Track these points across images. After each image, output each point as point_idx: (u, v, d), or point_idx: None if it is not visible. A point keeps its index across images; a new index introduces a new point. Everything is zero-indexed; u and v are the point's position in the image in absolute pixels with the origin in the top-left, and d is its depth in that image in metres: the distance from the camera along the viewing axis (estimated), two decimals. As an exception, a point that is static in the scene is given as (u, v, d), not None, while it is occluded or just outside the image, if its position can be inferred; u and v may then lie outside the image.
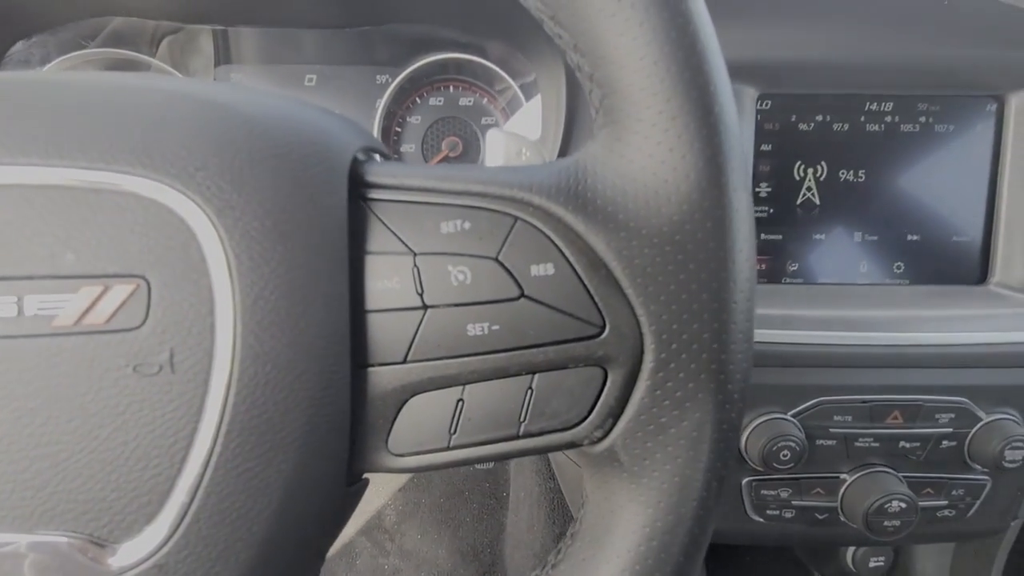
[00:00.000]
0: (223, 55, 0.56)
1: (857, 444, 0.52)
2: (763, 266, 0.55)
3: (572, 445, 0.22)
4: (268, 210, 0.19)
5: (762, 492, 0.54)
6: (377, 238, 0.21)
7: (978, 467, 0.53)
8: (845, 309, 0.53)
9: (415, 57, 0.55)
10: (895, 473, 0.53)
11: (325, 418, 0.20)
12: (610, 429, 0.22)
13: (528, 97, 0.53)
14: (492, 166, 0.27)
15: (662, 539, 0.21)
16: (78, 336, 0.18)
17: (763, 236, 0.55)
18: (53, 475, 0.18)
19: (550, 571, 0.23)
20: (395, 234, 0.21)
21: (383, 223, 0.21)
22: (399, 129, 0.57)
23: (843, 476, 0.53)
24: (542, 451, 0.22)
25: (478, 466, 1.22)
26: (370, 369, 0.21)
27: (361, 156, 0.23)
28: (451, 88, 0.57)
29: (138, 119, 0.19)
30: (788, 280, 0.55)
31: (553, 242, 0.21)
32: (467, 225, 0.21)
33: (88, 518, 0.18)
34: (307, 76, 0.57)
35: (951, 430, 0.52)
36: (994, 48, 0.51)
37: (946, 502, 0.54)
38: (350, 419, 0.21)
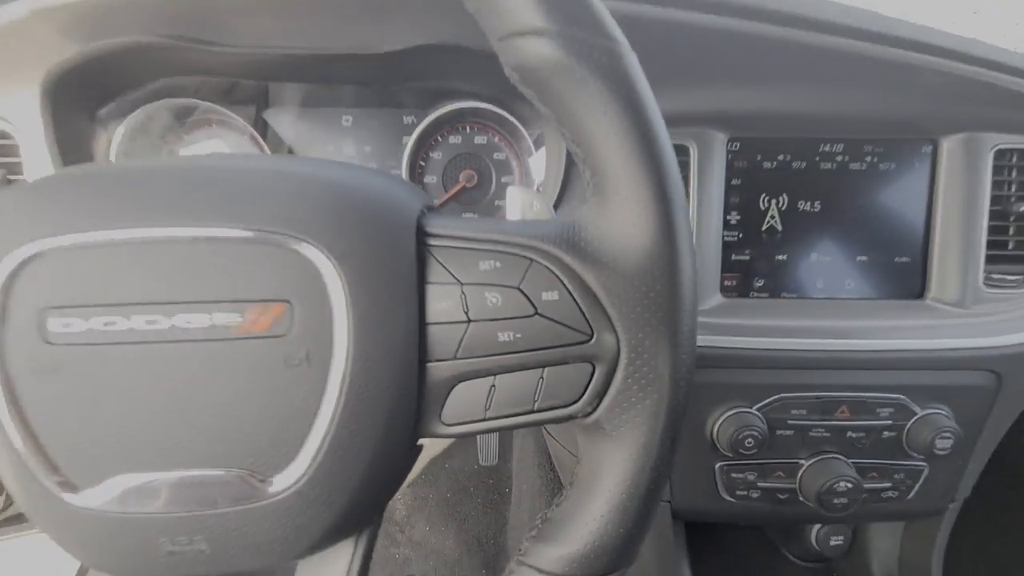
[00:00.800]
0: (270, 100, 0.65)
1: (811, 434, 0.61)
2: (733, 282, 0.64)
3: (570, 418, 0.31)
4: (368, 256, 0.28)
5: (732, 475, 0.63)
6: (435, 273, 0.30)
7: (915, 454, 0.62)
8: (803, 319, 0.62)
9: (438, 103, 0.64)
10: (844, 459, 0.62)
11: (402, 396, 0.29)
12: (597, 406, 0.31)
13: (537, 147, 0.62)
14: (515, 220, 0.37)
15: (634, 480, 0.30)
16: (248, 340, 0.27)
17: (733, 257, 0.64)
18: (232, 430, 0.27)
19: (555, 508, 0.32)
20: (448, 270, 0.30)
21: (439, 262, 0.31)
22: (423, 163, 0.67)
23: (801, 461, 0.62)
24: (549, 422, 0.31)
25: (482, 463, 1.31)
26: (430, 364, 0.30)
27: (423, 213, 0.32)
28: (468, 128, 0.67)
29: (285, 195, 0.28)
30: (755, 295, 0.65)
31: (558, 276, 0.30)
32: (498, 264, 0.30)
33: (253, 459, 0.27)
34: (344, 117, 0.67)
35: (891, 422, 0.61)
36: (929, 103, 0.60)
37: (889, 484, 0.63)
38: (416, 397, 0.30)
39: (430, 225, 0.31)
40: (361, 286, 0.28)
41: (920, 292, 0.65)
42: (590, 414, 0.31)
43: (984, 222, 0.62)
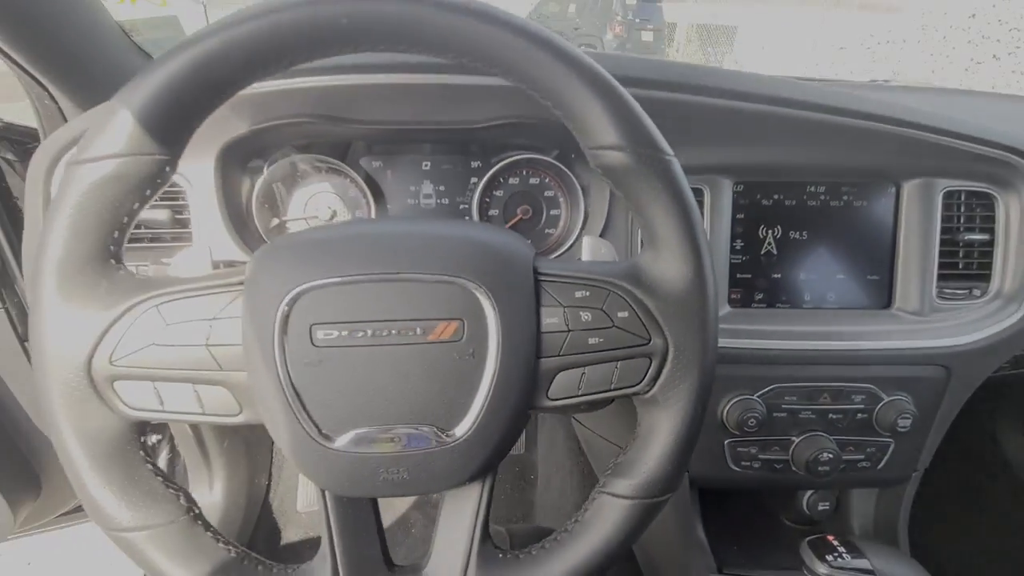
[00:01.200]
0: (363, 150, 0.81)
1: (801, 416, 0.77)
2: (738, 296, 0.80)
3: (635, 394, 0.47)
4: (506, 290, 0.44)
5: (737, 449, 0.79)
6: (546, 299, 0.46)
7: (883, 432, 0.78)
8: (794, 325, 0.78)
9: (499, 152, 0.80)
10: (827, 436, 0.78)
11: (525, 380, 0.45)
12: (653, 386, 0.47)
13: (584, 191, 0.78)
14: (591, 260, 0.53)
15: (677, 435, 0.46)
16: (437, 343, 0.43)
17: (738, 275, 0.80)
18: (426, 399, 0.43)
19: (623, 455, 0.48)
20: (554, 297, 0.46)
21: (548, 292, 0.46)
22: (488, 200, 0.82)
23: (792, 438, 0.78)
24: (620, 397, 0.47)
25: (512, 452, 1.46)
26: (542, 359, 0.46)
27: (535, 258, 0.48)
28: (524, 172, 0.83)
29: (458, 252, 0.44)
30: (755, 305, 0.80)
31: (627, 301, 0.46)
32: (587, 293, 0.46)
33: (438, 418, 0.43)
34: (424, 162, 0.83)
35: (863, 407, 0.77)
36: (892, 157, 0.76)
37: (863, 456, 0.79)
38: (533, 381, 0.46)
39: (541, 267, 0.47)
40: (503, 310, 0.44)
41: (887, 303, 0.80)
42: (648, 391, 0.47)
43: (936, 247, 0.78)
